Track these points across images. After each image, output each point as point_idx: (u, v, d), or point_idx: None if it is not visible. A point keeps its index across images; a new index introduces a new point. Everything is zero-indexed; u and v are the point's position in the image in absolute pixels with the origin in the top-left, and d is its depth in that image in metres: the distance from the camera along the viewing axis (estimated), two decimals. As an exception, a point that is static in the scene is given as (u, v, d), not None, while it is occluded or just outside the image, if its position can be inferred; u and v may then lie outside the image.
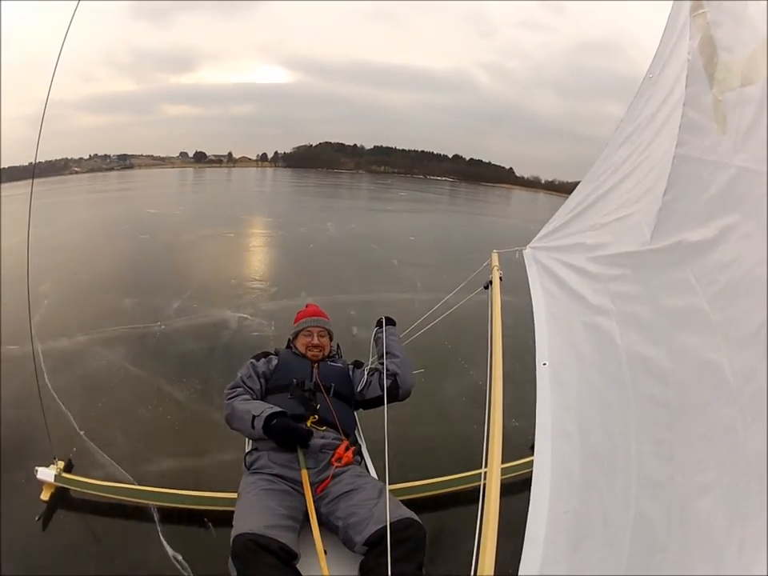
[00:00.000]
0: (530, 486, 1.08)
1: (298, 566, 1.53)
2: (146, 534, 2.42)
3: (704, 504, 0.84)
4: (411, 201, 27.70)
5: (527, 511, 1.02)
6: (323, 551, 1.56)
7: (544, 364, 1.46)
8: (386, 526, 1.54)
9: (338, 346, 2.62)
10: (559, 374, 1.39)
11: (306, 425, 2.02)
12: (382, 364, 2.26)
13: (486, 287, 2.52)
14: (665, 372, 1.11)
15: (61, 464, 2.67)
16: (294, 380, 2.21)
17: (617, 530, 0.91)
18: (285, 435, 1.93)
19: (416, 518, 1.63)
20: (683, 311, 1.17)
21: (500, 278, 2.43)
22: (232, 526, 1.62)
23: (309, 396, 2.15)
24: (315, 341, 2.41)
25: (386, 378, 2.19)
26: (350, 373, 2.40)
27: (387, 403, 2.11)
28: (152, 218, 13.97)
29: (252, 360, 2.34)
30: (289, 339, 2.58)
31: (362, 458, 2.16)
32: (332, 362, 2.41)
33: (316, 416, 2.07)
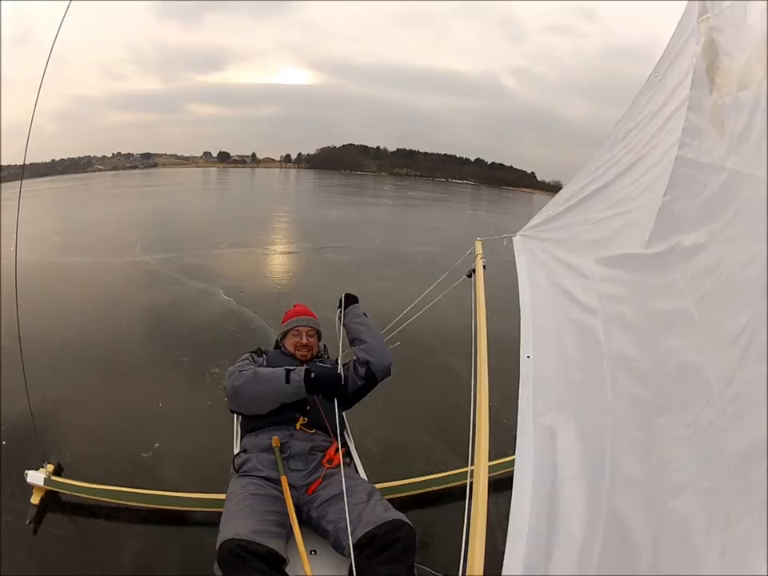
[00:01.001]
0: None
1: (287, 570, 1.53)
2: (136, 535, 2.45)
3: (680, 504, 0.85)
4: (416, 198, 31.35)
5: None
6: (305, 553, 1.56)
7: (528, 357, 1.46)
8: (375, 528, 1.55)
9: (324, 346, 2.60)
10: (541, 368, 1.40)
11: (296, 427, 2.03)
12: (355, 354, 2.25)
13: (470, 276, 2.46)
14: (645, 373, 1.12)
15: (50, 467, 2.67)
16: None
17: (588, 528, 0.92)
18: (327, 381, 2.02)
19: (405, 519, 1.63)
20: (670, 314, 1.18)
21: (483, 267, 2.36)
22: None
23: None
24: (304, 340, 2.39)
25: (360, 367, 2.17)
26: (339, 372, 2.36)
27: (369, 389, 2.16)
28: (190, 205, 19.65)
29: (251, 353, 2.34)
30: (277, 339, 2.55)
31: (352, 459, 2.16)
32: (320, 362, 2.37)
33: (305, 418, 2.06)
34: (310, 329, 2.43)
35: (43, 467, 2.65)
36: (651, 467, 0.95)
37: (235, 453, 2.10)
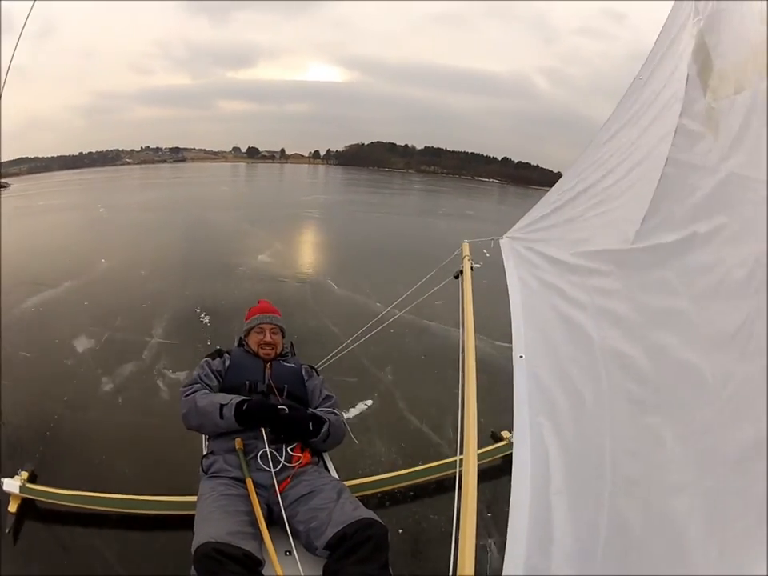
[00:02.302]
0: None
1: (263, 571, 1.51)
2: (112, 540, 2.43)
3: (680, 504, 0.84)
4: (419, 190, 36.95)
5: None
6: (275, 555, 1.55)
7: (521, 356, 1.46)
8: (345, 528, 1.55)
9: (291, 344, 2.57)
10: (534, 366, 1.40)
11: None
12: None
13: (457, 277, 2.48)
14: (641, 370, 1.12)
15: (25, 475, 2.61)
16: (247, 382, 2.15)
17: (590, 527, 0.92)
18: (260, 412, 1.94)
19: (375, 517, 1.63)
20: (663, 311, 1.18)
21: (471, 268, 2.38)
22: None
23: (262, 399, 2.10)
24: (267, 338, 2.35)
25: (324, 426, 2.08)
26: (303, 374, 2.33)
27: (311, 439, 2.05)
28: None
29: (207, 359, 2.29)
30: (240, 337, 2.49)
31: (320, 457, 2.13)
32: (284, 361, 2.35)
33: (284, 408, 2.01)
34: (273, 326, 2.40)
35: (18, 474, 2.60)
36: (651, 466, 0.95)
37: (203, 454, 2.07)
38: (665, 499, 0.87)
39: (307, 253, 10.93)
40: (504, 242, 2.50)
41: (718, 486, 0.81)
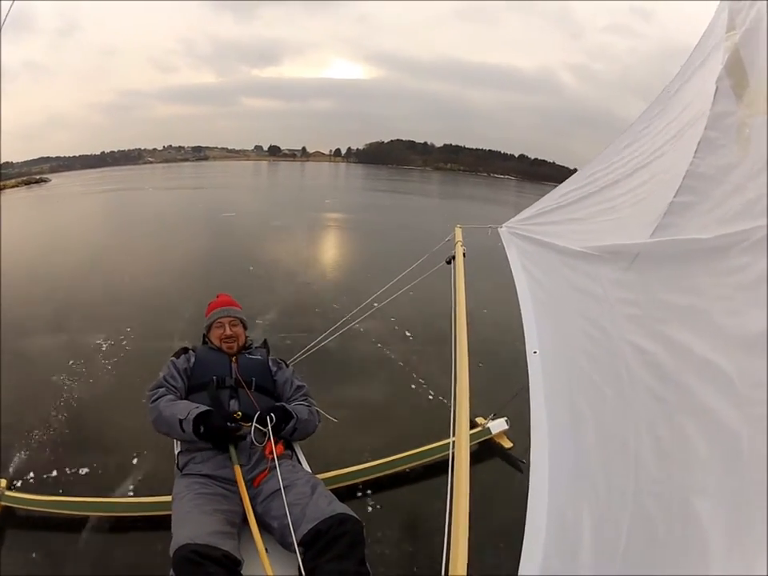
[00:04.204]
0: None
1: (242, 571, 1.50)
2: (94, 545, 2.41)
3: (703, 505, 0.84)
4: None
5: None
6: (264, 552, 1.55)
7: (535, 352, 1.44)
8: (319, 524, 1.55)
9: (264, 341, 2.58)
10: (549, 362, 1.39)
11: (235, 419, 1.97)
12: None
13: (449, 262, 2.47)
14: (663, 367, 1.10)
15: (3, 482, 2.57)
16: (214, 377, 2.14)
17: (613, 527, 0.92)
18: (216, 436, 1.89)
19: (350, 512, 1.63)
20: (685, 308, 1.15)
21: (463, 254, 2.37)
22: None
23: (230, 393, 2.10)
24: (228, 331, 2.35)
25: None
26: (271, 365, 2.34)
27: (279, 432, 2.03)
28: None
29: (172, 358, 2.26)
30: (203, 334, 2.48)
31: (294, 451, 2.13)
32: (250, 354, 2.35)
33: (239, 413, 2.00)
34: (232, 318, 2.40)
35: None
36: (675, 465, 0.94)
37: (177, 450, 2.05)
38: (688, 500, 0.86)
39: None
40: (503, 231, 2.50)
41: (741, 489, 0.81)
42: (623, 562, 0.86)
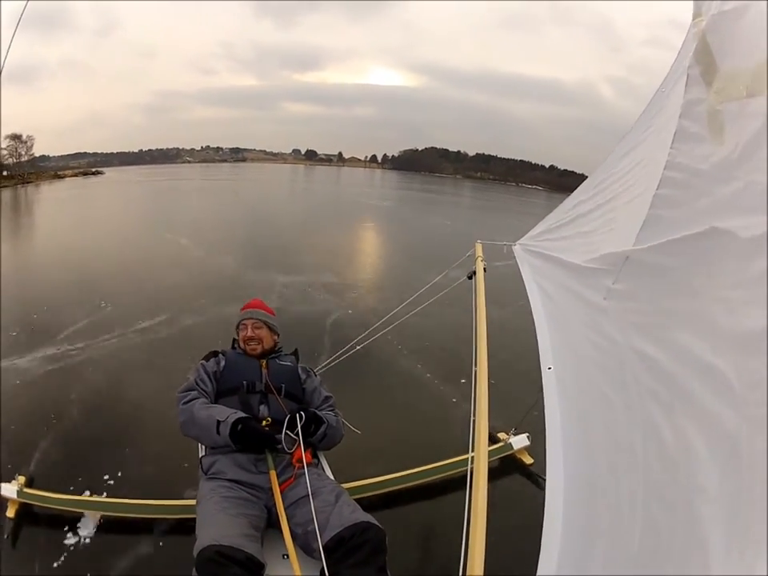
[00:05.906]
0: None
1: (264, 574, 1.53)
2: (109, 543, 2.46)
3: (704, 506, 0.84)
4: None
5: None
6: (294, 551, 1.59)
7: (549, 368, 1.45)
8: (343, 531, 1.57)
9: (295, 350, 2.58)
10: (562, 376, 1.40)
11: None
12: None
13: (470, 278, 2.50)
14: (666, 372, 1.10)
15: (22, 479, 2.65)
16: (244, 382, 2.18)
17: (626, 531, 0.92)
18: (255, 439, 1.94)
19: (373, 520, 1.64)
20: (683, 312, 1.15)
21: (484, 269, 2.41)
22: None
23: (260, 398, 2.14)
24: (250, 333, 2.37)
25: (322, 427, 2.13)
26: (300, 374, 2.37)
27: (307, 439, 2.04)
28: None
29: (202, 361, 2.31)
30: (234, 339, 2.53)
31: (319, 459, 2.16)
32: (280, 360, 2.37)
33: (269, 418, 2.04)
34: (255, 321, 2.41)
35: (15, 479, 2.65)
36: (680, 470, 0.94)
37: (202, 454, 2.08)
38: (691, 503, 0.87)
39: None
40: (517, 249, 2.53)
41: (741, 489, 0.80)
42: (636, 567, 0.87)
